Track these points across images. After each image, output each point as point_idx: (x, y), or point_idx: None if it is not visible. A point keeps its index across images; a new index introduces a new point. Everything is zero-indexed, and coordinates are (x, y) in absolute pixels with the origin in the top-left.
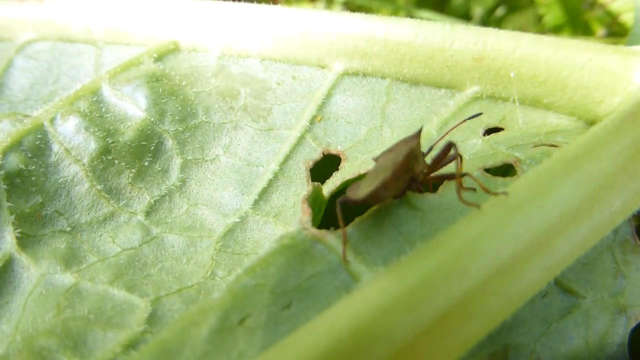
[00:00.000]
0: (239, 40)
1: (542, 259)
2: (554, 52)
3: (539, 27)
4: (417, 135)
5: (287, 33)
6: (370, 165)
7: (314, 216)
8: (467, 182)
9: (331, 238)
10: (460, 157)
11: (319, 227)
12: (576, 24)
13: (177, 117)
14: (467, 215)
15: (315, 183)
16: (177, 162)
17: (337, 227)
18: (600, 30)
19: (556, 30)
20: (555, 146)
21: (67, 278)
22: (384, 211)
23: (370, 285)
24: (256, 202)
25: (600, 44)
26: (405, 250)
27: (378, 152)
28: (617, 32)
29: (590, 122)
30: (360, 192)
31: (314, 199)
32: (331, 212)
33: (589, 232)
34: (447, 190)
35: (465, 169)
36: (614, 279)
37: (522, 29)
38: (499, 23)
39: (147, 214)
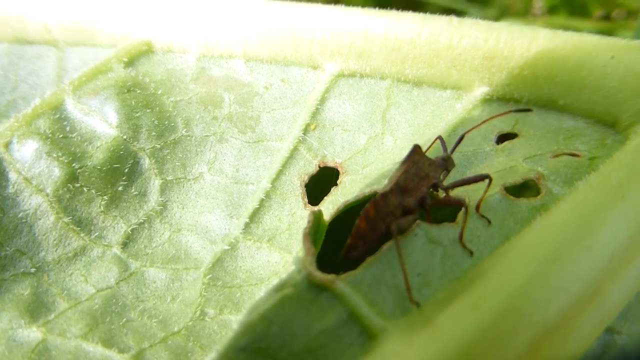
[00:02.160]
0: (220, 38)
1: (593, 312)
2: (573, 49)
3: (526, 3)
4: (407, 160)
5: (275, 30)
6: (373, 180)
7: (316, 247)
8: (485, 204)
9: (341, 285)
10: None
11: (320, 254)
12: (573, 5)
13: (153, 133)
14: (501, 257)
15: (316, 209)
16: (155, 183)
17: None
18: (598, 12)
19: (551, 11)
20: (577, 155)
21: (33, 333)
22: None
23: (391, 348)
24: (247, 226)
25: (624, 41)
26: (426, 295)
27: (379, 164)
28: (616, 14)
29: (610, 125)
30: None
31: (315, 231)
32: (333, 234)
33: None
34: (469, 219)
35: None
36: None
37: (508, 7)
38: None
39: (124, 245)
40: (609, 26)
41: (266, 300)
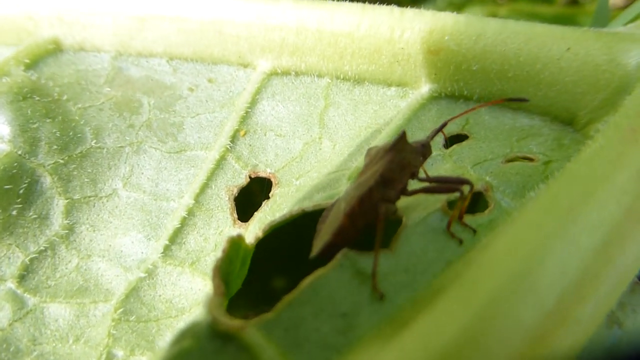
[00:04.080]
0: (139, 34)
1: None
2: (525, 41)
3: None
4: (392, 148)
5: (198, 24)
6: (306, 193)
7: (234, 278)
8: (424, 223)
9: (252, 332)
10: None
11: (247, 282)
12: None
13: (55, 146)
14: (440, 293)
15: (234, 236)
16: (59, 204)
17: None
18: None
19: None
20: (531, 160)
21: None
22: (322, 281)
23: None
24: (167, 248)
25: (580, 30)
26: (351, 339)
27: (315, 173)
28: None
29: (568, 122)
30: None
31: (230, 262)
32: (261, 256)
33: (593, 310)
34: (405, 243)
35: (424, 202)
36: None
37: None
38: None
39: (21, 278)
40: (574, 11)
41: (165, 355)
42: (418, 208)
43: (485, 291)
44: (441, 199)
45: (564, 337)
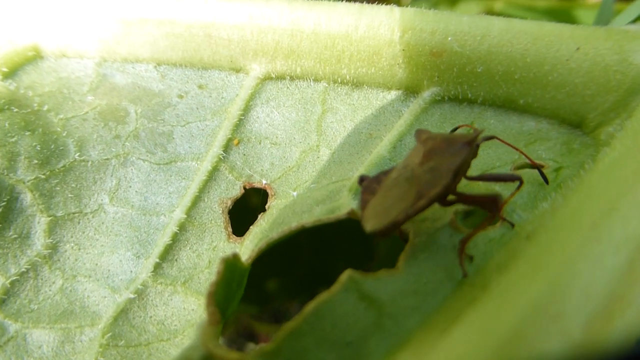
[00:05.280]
0: (124, 39)
1: None
2: (532, 41)
3: None
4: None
5: (186, 27)
6: (305, 206)
7: (230, 301)
8: (431, 239)
9: None
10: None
11: (243, 301)
12: None
13: (35, 160)
14: (452, 320)
15: (230, 256)
16: (41, 222)
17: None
18: None
19: None
20: (542, 166)
21: None
22: (325, 307)
23: None
24: (158, 266)
25: (590, 28)
26: None
27: (313, 184)
28: None
29: (577, 125)
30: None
31: (226, 285)
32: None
33: (620, 334)
34: (413, 262)
35: (432, 216)
36: None
37: None
38: None
39: (1, 303)
40: (570, 4)
41: None
42: (426, 222)
43: (507, 322)
44: (450, 211)
45: None
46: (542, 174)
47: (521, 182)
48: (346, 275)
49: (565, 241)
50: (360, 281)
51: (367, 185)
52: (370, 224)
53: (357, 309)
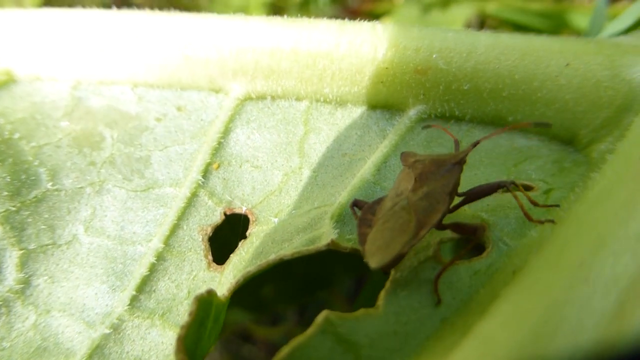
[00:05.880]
0: (100, 61)
1: None
2: (520, 57)
3: None
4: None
5: (163, 47)
6: (285, 234)
7: (204, 341)
8: (413, 272)
9: None
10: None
11: (240, 306)
12: None
13: (5, 192)
14: None
15: (204, 294)
16: (12, 256)
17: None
18: None
19: None
20: (532, 188)
21: None
22: (300, 352)
23: None
24: (134, 299)
25: (580, 42)
26: None
27: (295, 210)
28: None
29: (568, 142)
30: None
31: (199, 326)
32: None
33: None
34: (393, 300)
35: (414, 248)
36: None
37: None
38: None
39: None
40: (564, 7)
41: None
42: (408, 255)
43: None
44: (435, 240)
45: None
46: (525, 213)
47: (512, 184)
48: (322, 316)
49: (552, 282)
50: (337, 323)
51: (362, 218)
52: (374, 261)
53: (334, 354)
